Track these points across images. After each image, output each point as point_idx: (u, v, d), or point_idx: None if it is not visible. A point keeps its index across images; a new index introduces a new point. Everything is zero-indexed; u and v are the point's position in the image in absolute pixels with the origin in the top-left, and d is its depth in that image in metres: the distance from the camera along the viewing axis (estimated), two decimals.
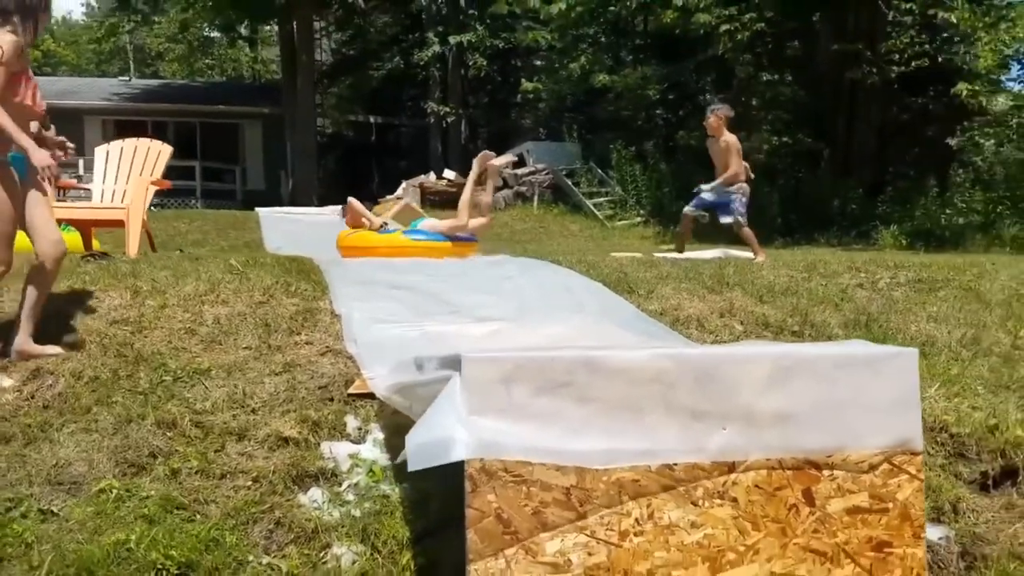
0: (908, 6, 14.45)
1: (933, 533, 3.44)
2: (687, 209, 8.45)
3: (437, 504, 2.80)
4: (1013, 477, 3.82)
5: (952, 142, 15.09)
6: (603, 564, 2.14)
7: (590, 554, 2.13)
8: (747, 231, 8.16)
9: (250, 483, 2.86)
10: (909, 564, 2.30)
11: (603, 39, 20.92)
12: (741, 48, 15.68)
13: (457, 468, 2.13)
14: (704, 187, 8.32)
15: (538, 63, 24.18)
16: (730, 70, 17.42)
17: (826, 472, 2.25)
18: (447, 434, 2.06)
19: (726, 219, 8.17)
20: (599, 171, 18.86)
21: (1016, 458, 3.85)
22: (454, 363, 2.13)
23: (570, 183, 18.49)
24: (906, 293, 5.81)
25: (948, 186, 15.02)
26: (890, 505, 2.28)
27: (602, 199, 18.16)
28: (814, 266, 6.59)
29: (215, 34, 28.75)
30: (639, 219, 17.33)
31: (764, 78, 16.88)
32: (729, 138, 8.06)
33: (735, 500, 2.20)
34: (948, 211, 14.38)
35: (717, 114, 8.18)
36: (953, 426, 3.92)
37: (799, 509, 2.24)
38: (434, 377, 2.30)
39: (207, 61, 34.05)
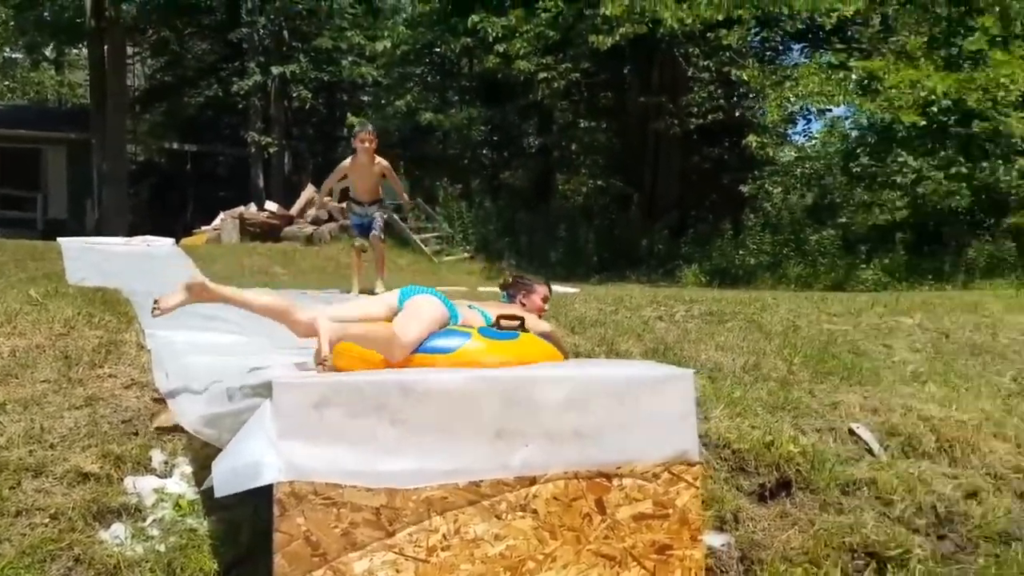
0: (706, 63, 15.77)
1: (716, 540, 3.78)
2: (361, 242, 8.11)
3: (247, 534, 2.78)
4: (787, 488, 4.28)
5: (744, 189, 16.51)
6: None
7: (398, 571, 2.22)
8: (382, 247, 8.23)
9: (48, 520, 2.73)
10: (688, 565, 2.55)
11: (429, 78, 21.30)
12: (558, 95, 16.49)
13: (268, 494, 2.16)
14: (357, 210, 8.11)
15: (365, 98, 24.22)
16: (550, 115, 18.27)
17: (616, 482, 2.47)
18: (256, 458, 2.08)
19: (373, 232, 7.94)
20: (426, 207, 19.10)
21: (789, 471, 4.32)
22: (265, 389, 2.17)
23: (398, 218, 18.60)
24: (698, 324, 6.33)
25: (741, 229, 16.38)
26: (671, 511, 2.53)
27: (430, 235, 18.38)
28: (621, 300, 7.04)
29: (17, 55, 26.68)
30: (466, 255, 17.68)
31: (582, 124, 17.82)
32: (383, 160, 8.01)
33: (535, 512, 2.37)
34: (741, 252, 15.64)
35: (373, 135, 7.99)
36: (735, 443, 4.33)
37: (592, 517, 2.43)
38: (245, 405, 2.32)
39: (7, 83, 31.42)
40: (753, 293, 9.52)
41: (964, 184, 12.79)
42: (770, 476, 4.27)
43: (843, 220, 15.70)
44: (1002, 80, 12.31)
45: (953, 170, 12.79)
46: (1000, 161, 12.93)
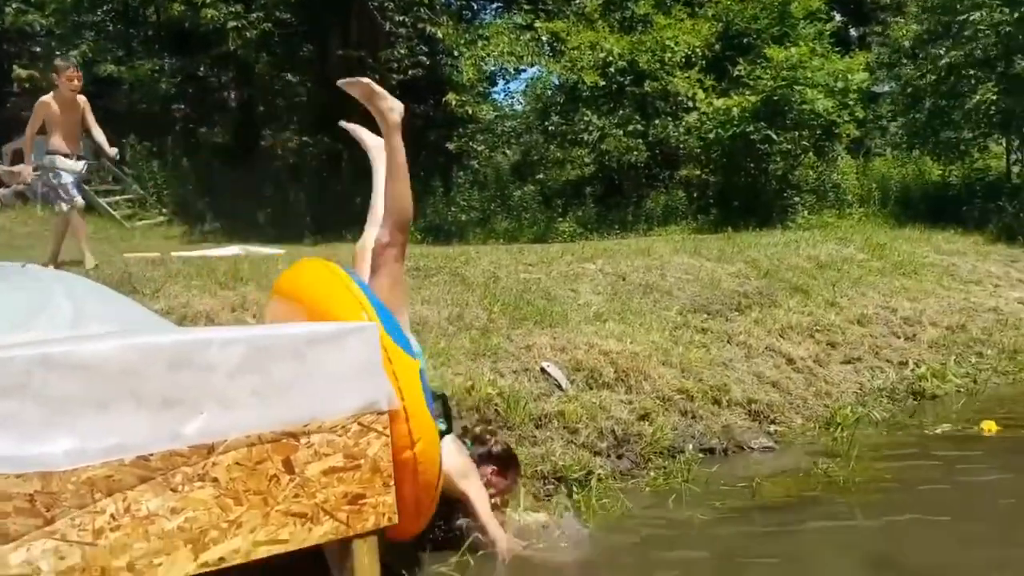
0: (401, 19, 15.80)
1: None
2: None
3: None
4: (486, 425, 4.54)
5: (451, 147, 16.94)
6: (77, 565, 2.06)
7: (62, 558, 2.04)
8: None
9: None
10: (381, 510, 2.61)
11: (110, 27, 19.28)
12: (252, 46, 15.70)
13: None
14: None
15: (36, 49, 21.42)
16: (249, 67, 17.35)
17: (303, 440, 2.45)
18: None
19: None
20: (114, 168, 17.38)
21: (489, 412, 4.58)
22: None
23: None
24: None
25: (452, 187, 16.84)
26: (362, 461, 2.56)
27: (119, 198, 16.76)
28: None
29: None
30: (162, 218, 16.40)
31: (286, 78, 17.13)
32: (86, 101, 7.03)
33: (216, 480, 2.28)
34: (453, 209, 16.12)
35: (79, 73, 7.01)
36: (439, 391, 4.51)
37: (280, 478, 2.40)
38: None
39: None
40: (458, 248, 9.86)
41: (641, 140, 14.12)
42: (471, 418, 4.51)
43: (541, 176, 16.71)
44: (667, 43, 13.67)
45: (631, 127, 14.06)
46: (670, 118, 14.43)
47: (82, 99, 6.88)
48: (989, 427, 5.28)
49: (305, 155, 17.68)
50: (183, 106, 19.32)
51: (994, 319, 7.82)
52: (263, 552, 2.36)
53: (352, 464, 2.54)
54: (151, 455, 2.18)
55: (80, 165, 6.96)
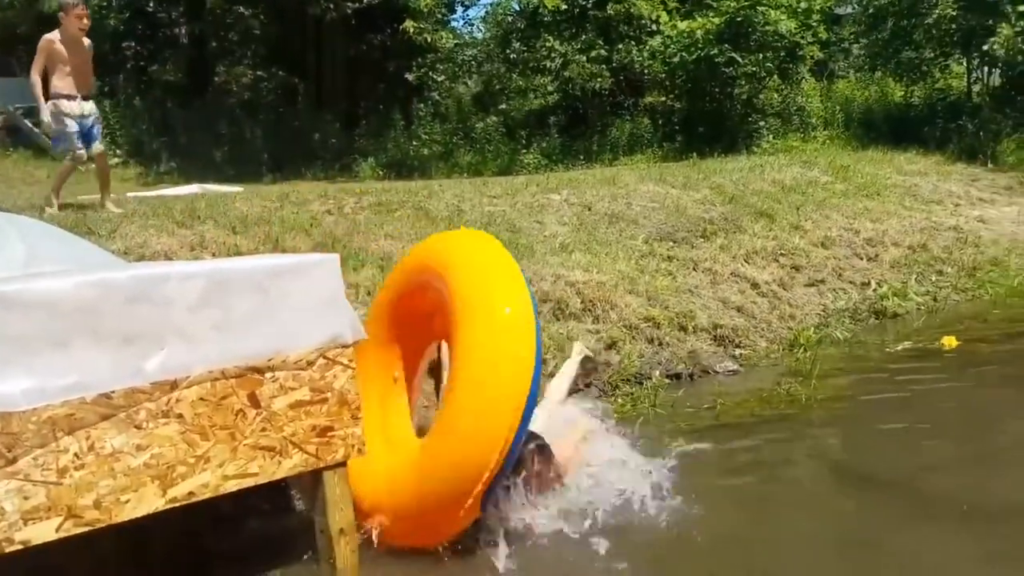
0: None
1: None
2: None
3: None
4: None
5: (410, 77, 16.53)
6: (42, 505, 2.04)
7: (26, 498, 2.02)
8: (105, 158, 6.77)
9: None
10: (350, 442, 2.61)
11: None
12: None
13: None
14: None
15: None
16: (200, 1, 16.74)
17: (268, 375, 2.43)
18: None
19: (97, 142, 6.55)
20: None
21: None
22: None
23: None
24: (368, 216, 6.38)
25: (412, 120, 16.51)
26: (328, 394, 2.55)
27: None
28: (287, 196, 6.84)
29: None
30: (117, 160, 15.93)
31: (237, 11, 16.53)
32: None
33: (181, 416, 2.26)
34: (415, 143, 15.85)
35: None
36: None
37: (246, 413, 2.38)
38: None
39: None
40: (423, 182, 9.74)
41: (604, 67, 13.92)
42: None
43: (504, 107, 16.44)
44: None
45: (594, 53, 13.82)
46: (633, 43, 14.21)
47: (88, 42, 6.36)
48: (948, 342, 5.41)
49: (260, 90, 17.21)
50: (133, 43, 18.61)
51: (954, 237, 7.95)
52: (233, 486, 2.36)
53: (319, 397, 2.53)
54: (113, 392, 2.15)
55: (88, 107, 6.36)
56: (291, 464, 2.48)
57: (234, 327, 2.36)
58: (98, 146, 6.47)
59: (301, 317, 2.50)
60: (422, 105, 16.63)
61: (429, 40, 15.39)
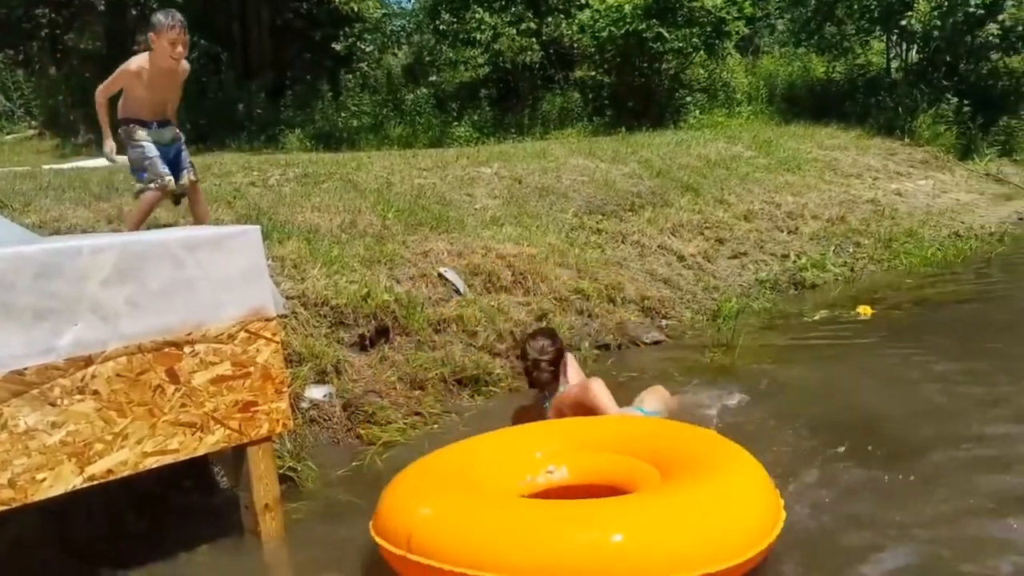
0: None
1: (318, 392, 3.92)
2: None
3: None
4: (386, 335, 4.53)
5: (338, 47, 16.16)
6: None
7: None
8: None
9: None
10: (275, 417, 2.59)
11: None
12: None
13: None
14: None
15: None
16: None
17: (187, 349, 2.39)
18: None
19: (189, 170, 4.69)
20: None
21: (386, 319, 4.56)
22: None
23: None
24: (294, 188, 6.26)
25: (340, 91, 16.19)
26: (252, 369, 2.52)
27: None
28: (209, 167, 6.66)
29: None
30: (32, 132, 15.29)
31: None
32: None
33: (97, 392, 2.21)
34: (344, 114, 15.54)
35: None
36: (333, 299, 4.45)
37: (165, 388, 2.34)
38: None
39: None
40: (351, 154, 9.61)
41: (534, 39, 13.87)
42: (369, 326, 4.49)
43: (435, 79, 16.26)
44: None
45: (524, 25, 13.76)
46: (563, 16, 14.20)
47: (184, 66, 4.59)
48: (864, 311, 5.62)
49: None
50: (46, 10, 17.75)
51: (872, 210, 8.24)
52: (153, 463, 2.32)
53: (241, 372, 2.50)
54: (25, 369, 2.09)
55: (167, 133, 4.60)
56: (213, 440, 2.45)
57: (150, 301, 2.31)
58: (190, 171, 4.71)
59: (221, 290, 2.46)
60: (350, 76, 16.31)
61: (356, 9, 15.06)
